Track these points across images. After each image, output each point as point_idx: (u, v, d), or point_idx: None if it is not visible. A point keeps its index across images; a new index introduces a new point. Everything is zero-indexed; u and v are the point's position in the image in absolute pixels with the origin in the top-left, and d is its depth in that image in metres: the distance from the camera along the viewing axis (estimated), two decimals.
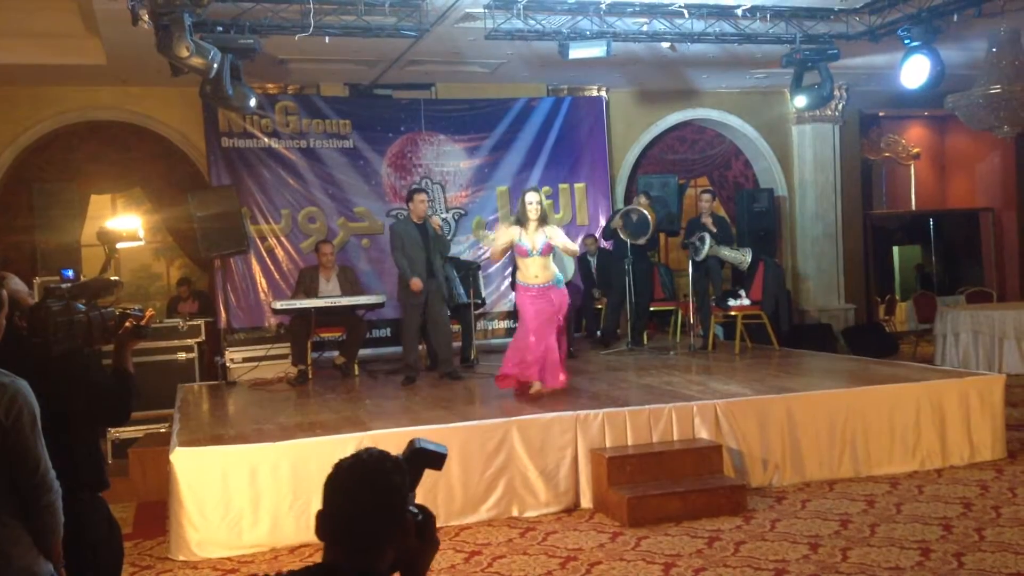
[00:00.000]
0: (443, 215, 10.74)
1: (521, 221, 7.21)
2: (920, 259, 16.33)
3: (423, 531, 1.97)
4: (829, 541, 5.29)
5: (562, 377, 7.17)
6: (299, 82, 10.55)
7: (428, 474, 5.88)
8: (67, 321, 2.96)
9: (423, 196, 8.36)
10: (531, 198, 7.19)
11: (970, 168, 14.90)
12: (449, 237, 8.49)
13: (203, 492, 5.56)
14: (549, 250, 7.14)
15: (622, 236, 9.55)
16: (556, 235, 7.22)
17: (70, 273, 3.33)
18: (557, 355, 7.16)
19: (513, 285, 9.31)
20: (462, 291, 9.10)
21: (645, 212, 9.55)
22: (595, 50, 8.40)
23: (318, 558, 1.92)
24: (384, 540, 1.89)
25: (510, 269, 10.40)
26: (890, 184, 15.10)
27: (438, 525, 6.59)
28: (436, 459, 2.05)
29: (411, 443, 2.03)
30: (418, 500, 1.96)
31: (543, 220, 7.17)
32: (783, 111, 12.54)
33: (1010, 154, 13.95)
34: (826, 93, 9.52)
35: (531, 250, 7.11)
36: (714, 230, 9.67)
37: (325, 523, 1.90)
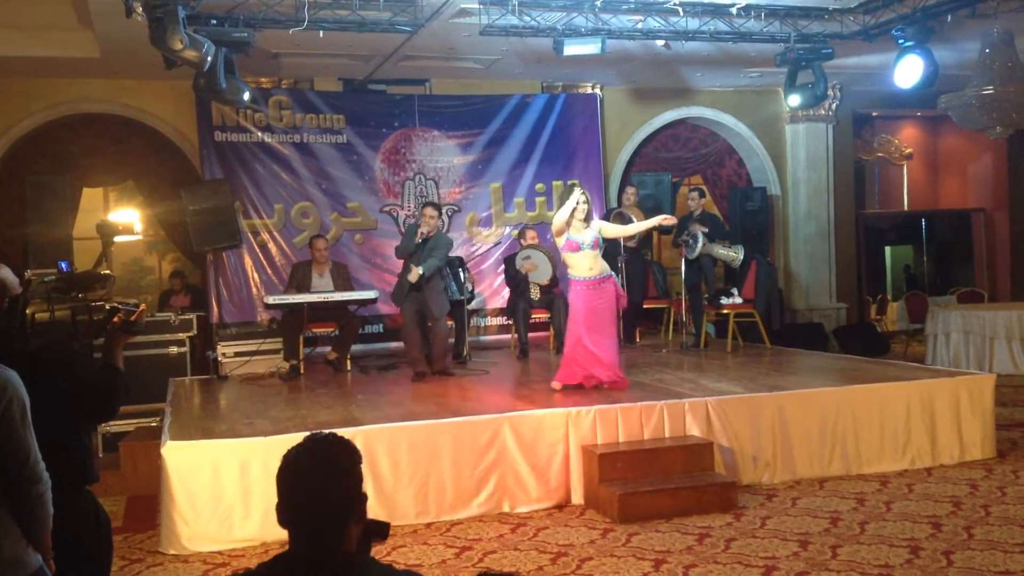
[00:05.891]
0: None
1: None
2: (911, 259, 16.38)
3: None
4: (819, 539, 5.31)
5: (621, 374, 7.18)
6: (293, 76, 10.52)
7: (419, 469, 5.93)
8: (47, 315, 2.93)
9: (430, 211, 8.11)
10: (576, 197, 7.07)
11: (962, 169, 14.95)
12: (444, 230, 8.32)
13: (194, 486, 5.55)
14: (598, 243, 7.16)
15: None
16: (606, 227, 7.36)
17: (66, 266, 3.32)
18: (617, 352, 7.19)
19: (551, 285, 9.43)
20: (455, 288, 9.07)
21: (633, 218, 9.54)
22: (590, 47, 8.39)
23: None
24: (345, 517, 1.96)
25: (503, 267, 10.42)
26: (883, 184, 15.13)
27: (430, 521, 6.63)
28: (381, 529, 2.12)
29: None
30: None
31: (588, 218, 7.18)
32: (777, 110, 12.56)
33: (1002, 155, 13.98)
34: (820, 92, 9.53)
35: (582, 244, 7.10)
36: (706, 229, 9.69)
37: (285, 512, 1.98)
